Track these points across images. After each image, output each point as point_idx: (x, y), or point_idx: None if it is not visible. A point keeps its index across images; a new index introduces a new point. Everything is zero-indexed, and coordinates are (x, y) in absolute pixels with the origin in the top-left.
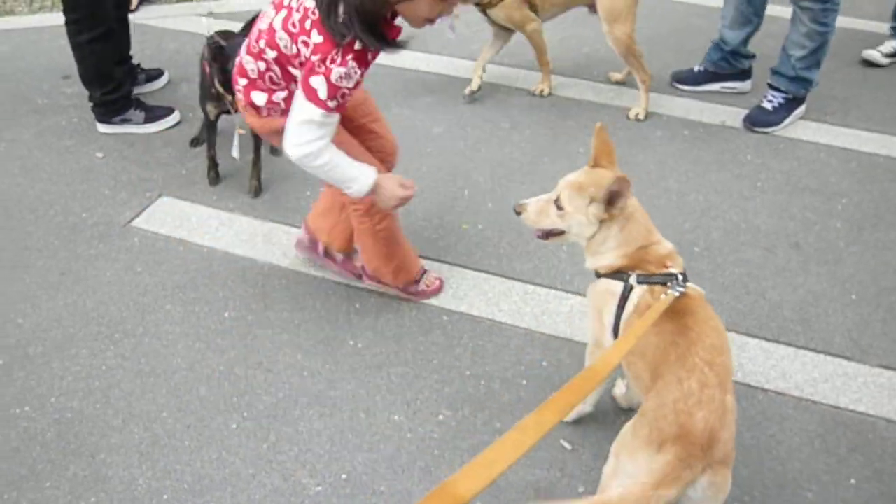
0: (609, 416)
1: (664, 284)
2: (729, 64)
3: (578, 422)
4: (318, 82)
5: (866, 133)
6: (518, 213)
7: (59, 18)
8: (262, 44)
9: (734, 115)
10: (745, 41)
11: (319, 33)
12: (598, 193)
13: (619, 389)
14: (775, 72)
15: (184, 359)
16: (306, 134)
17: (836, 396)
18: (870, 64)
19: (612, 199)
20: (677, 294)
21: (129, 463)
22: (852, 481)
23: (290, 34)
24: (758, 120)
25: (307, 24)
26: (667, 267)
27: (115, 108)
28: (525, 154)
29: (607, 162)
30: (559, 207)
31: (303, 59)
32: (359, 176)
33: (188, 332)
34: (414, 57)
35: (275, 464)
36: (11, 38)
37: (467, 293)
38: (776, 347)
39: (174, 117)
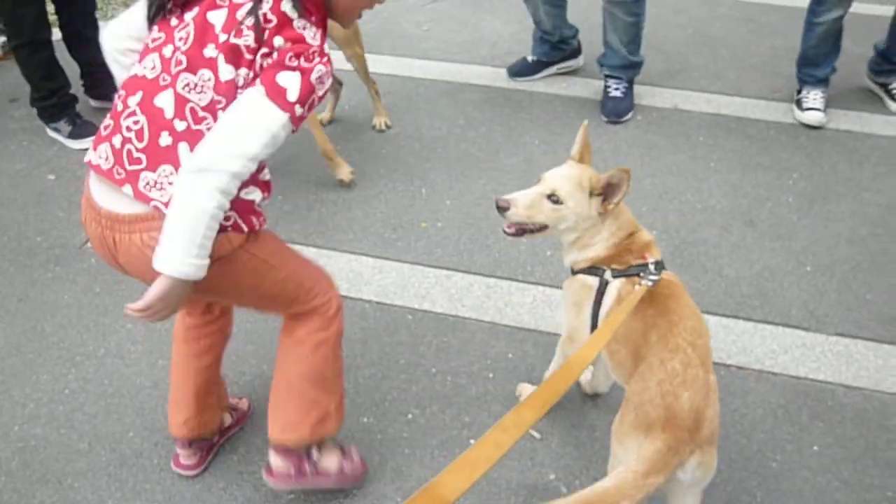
0: (576, 404)
1: (639, 275)
2: (559, 50)
3: (547, 412)
4: (290, 79)
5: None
6: (503, 209)
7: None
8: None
9: (685, 99)
10: (564, 23)
11: (287, 35)
12: (598, 186)
13: (585, 376)
14: (606, 64)
15: (148, 377)
16: (252, 144)
17: (795, 367)
18: None
19: (609, 193)
20: (650, 284)
21: (97, 486)
22: (815, 448)
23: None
24: (619, 110)
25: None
26: (645, 257)
27: (45, 114)
28: (481, 150)
29: (587, 160)
30: (555, 202)
31: (257, 62)
32: (207, 258)
33: (151, 349)
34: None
35: (245, 475)
36: None
37: (429, 291)
38: (735, 323)
39: None
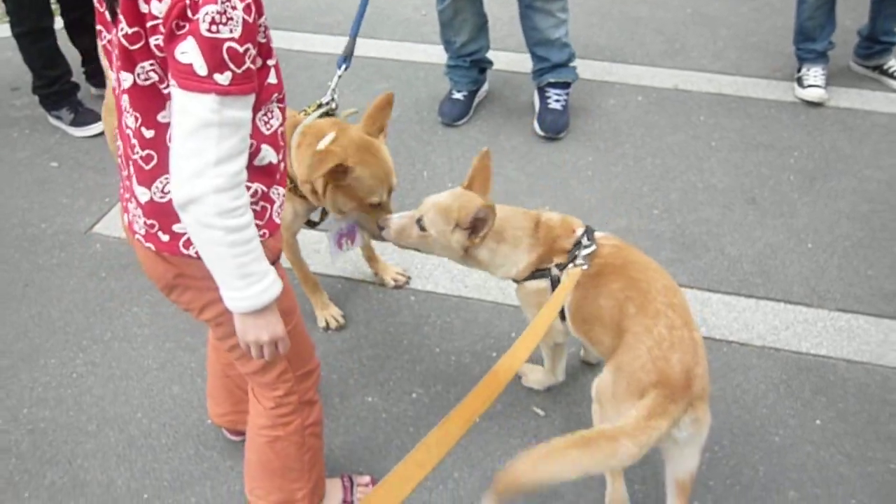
0: (579, 381)
1: (573, 259)
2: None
3: (549, 389)
4: (187, 50)
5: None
6: (380, 228)
7: (2, 31)
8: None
9: (686, 79)
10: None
11: None
12: (464, 220)
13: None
14: (554, 66)
15: (154, 359)
16: (206, 148)
17: (797, 342)
18: None
19: (476, 227)
20: (585, 268)
21: (106, 466)
22: (817, 422)
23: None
24: (559, 125)
25: None
26: (574, 231)
27: (47, 102)
28: (482, 132)
29: (481, 188)
30: (422, 228)
31: (152, 42)
32: (264, 275)
33: (157, 333)
34: (364, 44)
35: None
36: None
37: (432, 272)
38: (737, 300)
39: (98, 126)
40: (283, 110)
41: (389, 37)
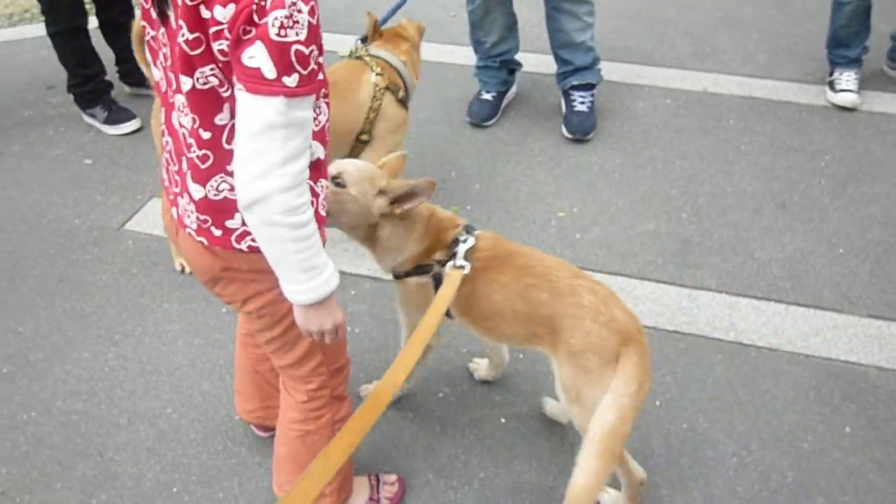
0: None
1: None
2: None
3: None
4: (254, 55)
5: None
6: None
7: (38, 30)
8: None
9: (715, 82)
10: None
11: None
12: (396, 188)
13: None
14: (574, 72)
15: (184, 356)
16: (272, 150)
17: (827, 349)
18: None
19: (404, 199)
20: (465, 271)
21: (136, 459)
22: (847, 429)
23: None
24: (586, 127)
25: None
26: (456, 226)
27: (81, 100)
28: (510, 134)
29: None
30: (338, 184)
31: (221, 46)
32: (324, 267)
33: (187, 329)
34: None
35: None
36: None
37: None
38: (767, 305)
39: (132, 124)
40: (328, 105)
41: None
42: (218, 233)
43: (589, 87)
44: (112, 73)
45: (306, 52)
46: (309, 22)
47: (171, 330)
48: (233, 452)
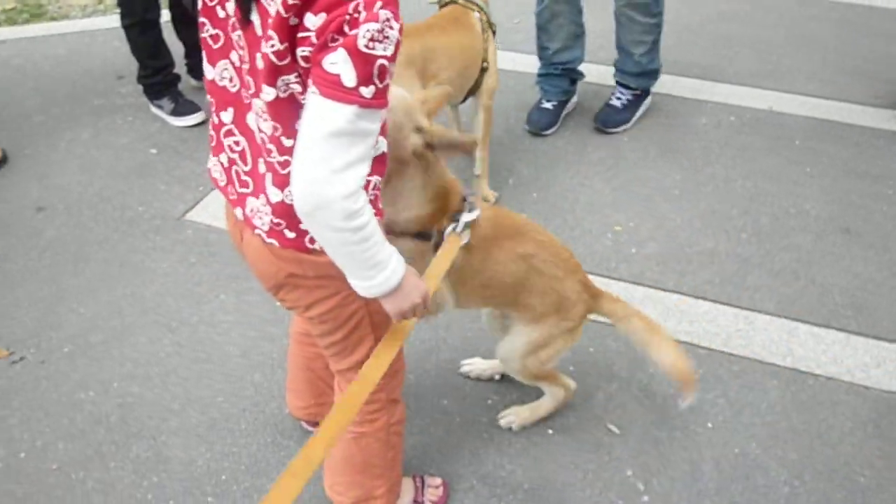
0: (657, 400)
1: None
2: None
3: (625, 407)
4: (336, 61)
5: None
6: None
7: (110, 21)
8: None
9: (781, 101)
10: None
11: None
12: (438, 134)
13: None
14: (620, 70)
15: (238, 346)
16: (336, 156)
17: (889, 381)
18: None
19: (443, 148)
20: (464, 241)
21: (188, 445)
22: None
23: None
24: (609, 120)
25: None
26: (462, 195)
27: (150, 91)
28: (569, 143)
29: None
30: None
31: (304, 53)
32: (389, 262)
33: (241, 320)
34: None
35: None
36: (67, 41)
37: None
38: (827, 332)
39: (197, 117)
40: None
41: None
42: (291, 235)
43: (627, 86)
44: (180, 66)
45: (388, 67)
46: (397, 39)
47: (226, 320)
48: (282, 445)
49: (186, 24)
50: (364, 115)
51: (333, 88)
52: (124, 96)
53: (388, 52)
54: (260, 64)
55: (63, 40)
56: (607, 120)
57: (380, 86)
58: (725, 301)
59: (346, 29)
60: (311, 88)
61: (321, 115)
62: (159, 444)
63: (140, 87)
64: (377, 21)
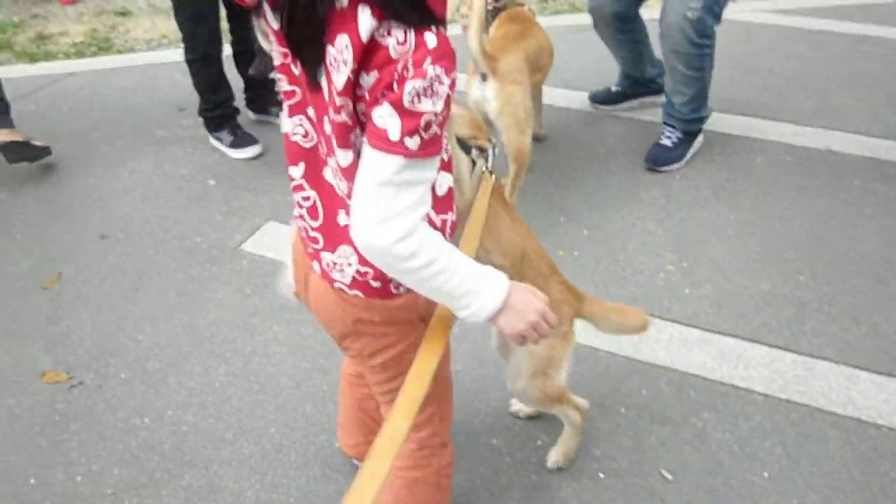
0: (711, 446)
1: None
2: (643, 86)
3: (679, 452)
4: (383, 115)
5: None
6: None
7: (174, 55)
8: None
9: (839, 141)
10: (645, 63)
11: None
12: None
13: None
14: (666, 111)
15: (290, 378)
16: (382, 205)
17: None
18: None
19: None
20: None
21: (239, 475)
22: None
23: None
24: (659, 158)
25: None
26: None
27: (210, 124)
28: (621, 181)
29: None
30: None
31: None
32: (482, 286)
33: (294, 352)
34: None
35: None
36: (133, 74)
37: None
38: (890, 381)
39: (254, 149)
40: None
41: None
42: (377, 284)
43: (674, 126)
44: (240, 100)
45: (436, 120)
46: (448, 94)
47: (280, 352)
48: (331, 479)
49: (246, 59)
50: (411, 164)
51: (380, 139)
52: (185, 128)
53: (437, 108)
54: (328, 129)
55: (128, 73)
56: (658, 158)
57: (426, 137)
58: (783, 346)
59: (395, 86)
60: (364, 140)
61: (370, 165)
62: (211, 473)
63: (200, 120)
64: (424, 78)
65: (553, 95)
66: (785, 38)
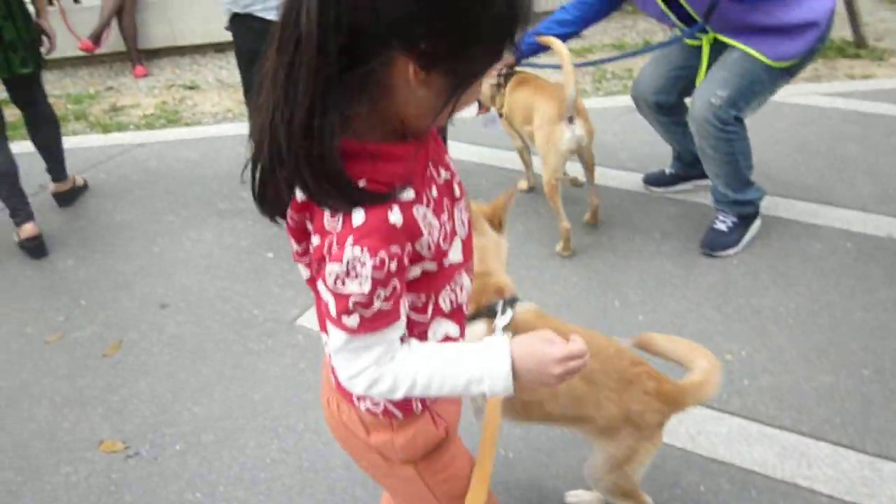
0: None
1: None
2: (695, 168)
3: None
4: (322, 290)
5: None
6: None
7: (238, 129)
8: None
9: None
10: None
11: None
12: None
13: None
14: (713, 196)
15: (341, 457)
16: (343, 365)
17: None
18: None
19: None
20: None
21: None
22: None
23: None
24: (716, 244)
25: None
26: (500, 296)
27: None
28: (676, 266)
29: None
30: None
31: None
32: (477, 374)
33: None
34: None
35: None
36: (199, 146)
37: None
38: None
39: None
40: (471, 278)
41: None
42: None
43: (726, 212)
44: None
45: (369, 299)
46: (373, 277)
47: None
48: None
49: None
50: (355, 339)
51: (327, 312)
52: (246, 200)
53: (365, 289)
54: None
55: (195, 145)
56: (714, 243)
57: (367, 315)
58: (848, 444)
59: (326, 260)
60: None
61: (329, 330)
62: None
63: None
64: (340, 262)
65: (607, 176)
66: (843, 122)
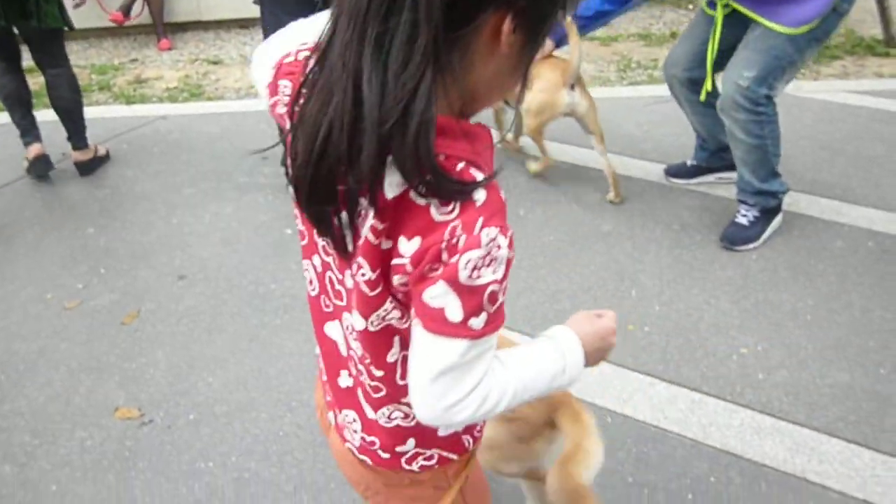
0: None
1: None
2: (720, 159)
3: None
4: (438, 294)
5: None
6: None
7: (260, 105)
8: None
9: None
10: (721, 131)
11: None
12: None
13: None
14: (738, 187)
15: None
16: (449, 394)
17: None
18: None
19: None
20: None
21: None
22: None
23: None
24: (736, 238)
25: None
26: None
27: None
28: (695, 258)
29: None
30: None
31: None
32: (559, 367)
33: None
34: (582, 154)
35: None
36: (221, 120)
37: (632, 396)
38: None
39: None
40: None
41: (609, 150)
42: (386, 456)
43: (749, 204)
44: None
45: (500, 288)
46: (508, 257)
47: None
48: None
49: None
50: (477, 344)
51: (438, 324)
52: (267, 176)
53: (499, 275)
54: (349, 283)
55: (217, 119)
56: (735, 237)
57: (492, 311)
58: (861, 442)
59: (444, 257)
60: (415, 320)
61: (427, 351)
62: None
63: (282, 170)
64: (479, 246)
65: (629, 166)
66: (871, 120)
